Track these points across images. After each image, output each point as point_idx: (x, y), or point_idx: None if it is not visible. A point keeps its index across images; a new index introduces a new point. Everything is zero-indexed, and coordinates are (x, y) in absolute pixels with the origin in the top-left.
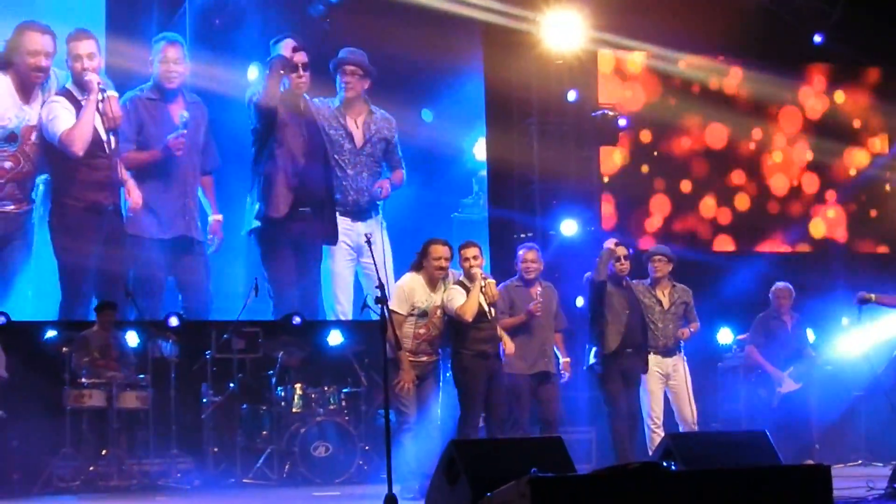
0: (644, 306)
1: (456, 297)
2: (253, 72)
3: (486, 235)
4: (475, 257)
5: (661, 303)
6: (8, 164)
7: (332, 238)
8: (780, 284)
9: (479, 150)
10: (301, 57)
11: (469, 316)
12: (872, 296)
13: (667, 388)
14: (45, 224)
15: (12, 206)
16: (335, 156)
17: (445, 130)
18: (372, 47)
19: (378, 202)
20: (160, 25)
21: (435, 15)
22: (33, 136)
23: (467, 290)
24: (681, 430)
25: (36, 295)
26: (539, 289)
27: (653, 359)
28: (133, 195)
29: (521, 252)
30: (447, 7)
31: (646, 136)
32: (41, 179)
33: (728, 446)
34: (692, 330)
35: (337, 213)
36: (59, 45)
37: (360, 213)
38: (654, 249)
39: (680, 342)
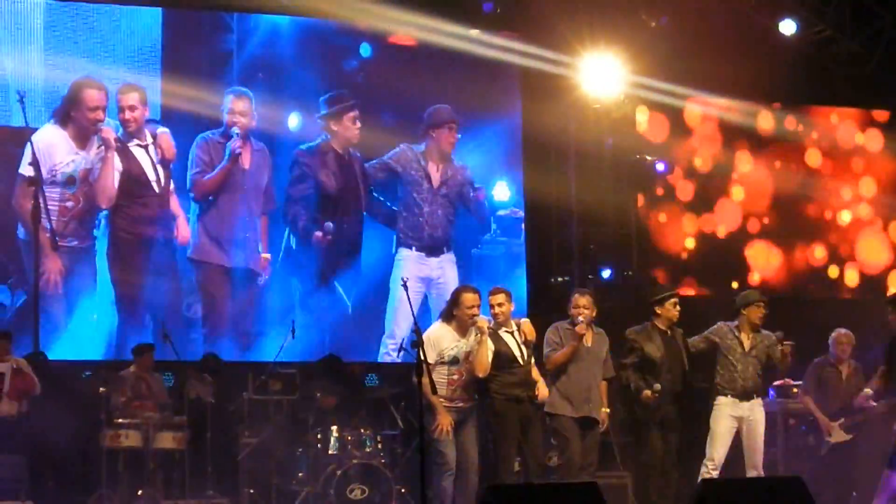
0: (725, 347)
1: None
2: (293, 120)
3: (501, 271)
4: (500, 304)
5: (742, 345)
6: (69, 204)
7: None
8: (840, 331)
9: (499, 192)
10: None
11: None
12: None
13: (740, 431)
14: (104, 256)
15: (76, 242)
16: (413, 194)
17: (471, 173)
18: (406, 95)
19: (450, 238)
20: (210, 75)
21: (472, 60)
22: (90, 178)
23: (499, 337)
24: (748, 475)
25: (77, 334)
26: (586, 326)
27: (728, 401)
28: (181, 231)
29: (574, 296)
30: (485, 52)
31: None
32: (103, 215)
33: (763, 493)
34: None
35: (413, 248)
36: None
37: (433, 248)
38: (758, 296)
39: (759, 386)
